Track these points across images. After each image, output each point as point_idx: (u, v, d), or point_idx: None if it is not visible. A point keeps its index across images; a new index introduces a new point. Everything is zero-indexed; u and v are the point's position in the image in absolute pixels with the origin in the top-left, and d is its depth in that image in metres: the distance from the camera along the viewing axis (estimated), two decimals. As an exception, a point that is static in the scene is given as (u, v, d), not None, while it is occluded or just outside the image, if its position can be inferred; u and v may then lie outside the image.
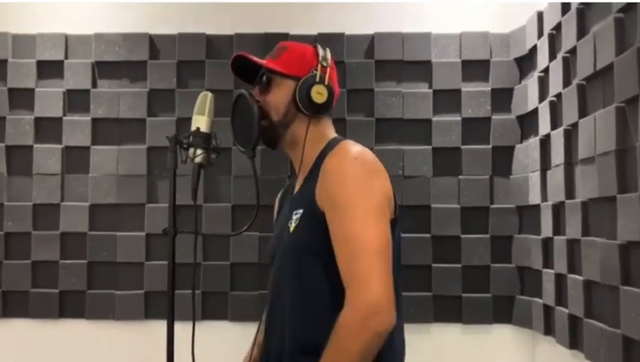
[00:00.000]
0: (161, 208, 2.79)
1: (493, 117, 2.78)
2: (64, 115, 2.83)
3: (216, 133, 1.52)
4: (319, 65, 1.49)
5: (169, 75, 2.84)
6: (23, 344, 2.79)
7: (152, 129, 2.82)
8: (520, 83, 2.78)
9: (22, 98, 2.85)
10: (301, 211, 1.39)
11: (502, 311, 2.73)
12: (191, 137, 1.47)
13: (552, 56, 2.41)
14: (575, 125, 2.16)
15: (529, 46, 2.66)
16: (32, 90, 2.84)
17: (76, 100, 2.85)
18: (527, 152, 2.68)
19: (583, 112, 2.11)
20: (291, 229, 1.40)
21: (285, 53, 1.52)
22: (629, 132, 1.78)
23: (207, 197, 2.80)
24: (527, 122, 2.72)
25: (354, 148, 1.39)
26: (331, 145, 1.47)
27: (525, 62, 2.75)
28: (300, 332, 1.38)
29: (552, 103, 2.39)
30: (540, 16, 2.55)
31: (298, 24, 2.85)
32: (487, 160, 2.76)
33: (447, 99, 2.80)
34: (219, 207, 2.79)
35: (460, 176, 2.76)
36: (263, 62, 1.51)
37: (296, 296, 1.40)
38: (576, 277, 2.12)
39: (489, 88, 2.79)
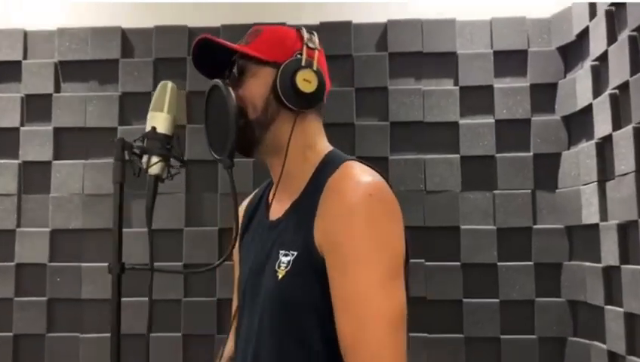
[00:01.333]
0: (136, 234, 2.29)
1: (534, 118, 2.28)
2: (22, 124, 2.36)
3: (179, 136, 1.11)
4: (304, 48, 1.15)
5: (145, 76, 2.37)
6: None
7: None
8: (565, 77, 2.28)
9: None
10: (295, 254, 1.05)
11: (550, 357, 2.19)
12: (145, 140, 1.09)
13: (612, 38, 1.92)
14: (652, 122, 1.68)
15: (577, 31, 2.17)
16: (-17, 96, 2.44)
17: (36, 107, 2.38)
18: (577, 160, 2.16)
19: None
20: (280, 275, 1.06)
21: (261, 36, 1.17)
22: None
23: (190, 219, 2.30)
24: (577, 123, 2.22)
25: (365, 176, 1.04)
26: (331, 162, 1.13)
27: (572, 52, 2.25)
28: None
29: (613, 97, 1.89)
30: (591, -7, 2.09)
31: (296, 13, 2.38)
32: (528, 170, 2.25)
33: (477, 98, 2.30)
34: (203, 231, 2.29)
35: (495, 191, 2.25)
36: (234, 46, 1.14)
37: (290, 357, 1.05)
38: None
39: (527, 84, 2.29)
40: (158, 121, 1.10)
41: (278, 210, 1.16)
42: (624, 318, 1.81)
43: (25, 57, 2.40)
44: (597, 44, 2.02)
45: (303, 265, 1.03)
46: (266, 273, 1.09)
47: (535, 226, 2.24)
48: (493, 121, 2.30)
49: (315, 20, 2.36)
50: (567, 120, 2.27)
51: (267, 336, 1.08)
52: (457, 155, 2.28)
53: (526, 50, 2.32)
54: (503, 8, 2.35)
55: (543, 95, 2.31)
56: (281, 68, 1.10)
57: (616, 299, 1.92)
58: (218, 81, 1.11)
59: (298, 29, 1.17)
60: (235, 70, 1.15)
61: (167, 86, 1.12)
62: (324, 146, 1.15)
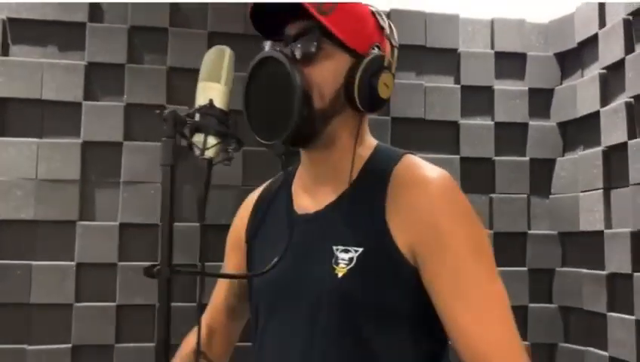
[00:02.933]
0: (99, 227, 1.96)
1: (531, 123, 2.25)
2: (-46, 90, 1.98)
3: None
4: (388, 43, 1.00)
5: (117, 45, 2.02)
6: None
7: (91, 117, 1.99)
8: (562, 83, 2.27)
9: None
10: (360, 250, 0.92)
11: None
12: (198, 116, 0.88)
13: (629, 47, 1.91)
14: (681, 132, 1.68)
15: (580, 38, 2.16)
16: None
17: (-24, 71, 2.02)
18: (574, 167, 2.16)
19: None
20: (339, 273, 0.92)
21: (339, 10, 0.96)
22: None
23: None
24: (574, 130, 2.22)
25: (440, 169, 0.97)
26: (386, 154, 1.03)
27: (570, 59, 2.25)
28: None
29: (629, 105, 1.88)
30: (601, 2, 2.07)
31: (295, -9, 2.18)
32: (525, 175, 2.22)
33: (478, 99, 2.24)
34: (183, 228, 1.98)
35: (492, 195, 2.19)
36: (321, 17, 0.93)
37: None
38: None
39: (526, 88, 2.26)
40: (214, 92, 0.89)
41: (311, 204, 1.02)
42: (635, 326, 1.81)
43: (-38, 9, 2.00)
44: (608, 53, 2.01)
45: (371, 260, 0.91)
46: (312, 272, 0.95)
47: (530, 232, 2.21)
48: (492, 123, 2.24)
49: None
50: (563, 126, 2.27)
51: (323, 340, 0.93)
52: (457, 156, 2.20)
53: (525, 53, 2.29)
54: (504, 8, 2.29)
55: (540, 100, 2.29)
56: (364, 64, 0.94)
57: (619, 307, 1.93)
58: (280, 55, 0.92)
59: (373, 11, 1.01)
60: (304, 41, 0.94)
61: (226, 52, 0.93)
62: (372, 138, 1.05)
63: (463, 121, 2.22)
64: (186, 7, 2.11)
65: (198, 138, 0.87)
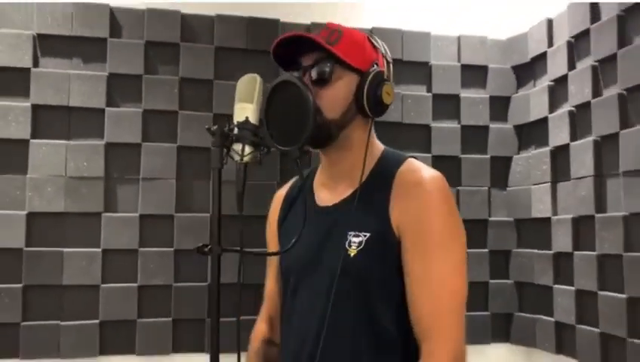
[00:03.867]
0: (121, 219, 2.22)
1: (491, 125, 2.59)
2: (-7, 98, 2.21)
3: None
4: (384, 60, 1.25)
5: (134, 58, 2.27)
6: None
7: (113, 121, 2.24)
8: (517, 92, 2.62)
9: None
10: (367, 235, 1.16)
11: (499, 330, 2.53)
12: (237, 129, 1.11)
13: (572, 65, 2.27)
14: (611, 136, 2.03)
15: (533, 54, 2.52)
16: (-54, 65, 2.16)
17: (11, 81, 2.17)
18: (527, 163, 2.52)
19: (625, 123, 1.97)
20: (351, 253, 1.16)
21: (344, 39, 1.21)
22: None
23: (180, 205, 2.26)
24: (527, 132, 2.58)
25: (434, 172, 1.18)
26: (392, 158, 1.26)
27: (524, 71, 2.60)
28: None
29: (571, 113, 2.25)
30: (550, 23, 2.42)
31: (289, 11, 2.43)
32: (486, 170, 2.56)
33: (446, 105, 2.56)
34: (195, 218, 2.27)
35: (459, 188, 2.53)
36: (331, 47, 1.18)
37: (362, 332, 1.15)
38: (614, 294, 1.97)
39: (487, 95, 2.60)
40: (249, 111, 1.13)
41: (330, 197, 1.25)
42: (575, 294, 2.18)
43: (-4, 26, 2.24)
44: (555, 68, 2.37)
45: (376, 244, 1.14)
46: (331, 252, 1.17)
47: (490, 219, 2.56)
48: (458, 125, 2.57)
49: (306, 20, 2.44)
50: (519, 129, 2.61)
51: (336, 312, 1.15)
52: (430, 155, 2.52)
53: (486, 66, 2.62)
54: (469, 26, 2.62)
55: (499, 106, 2.62)
56: (369, 78, 1.16)
57: (562, 280, 2.29)
58: (294, 78, 1.15)
59: (368, 36, 1.26)
60: (317, 68, 1.18)
61: (257, 79, 1.16)
62: (379, 144, 1.27)
63: (433, 124, 2.54)
64: (195, 24, 2.35)
65: (237, 147, 1.10)
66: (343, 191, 1.23)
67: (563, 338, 2.28)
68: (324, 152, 1.27)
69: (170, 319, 2.24)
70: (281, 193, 1.42)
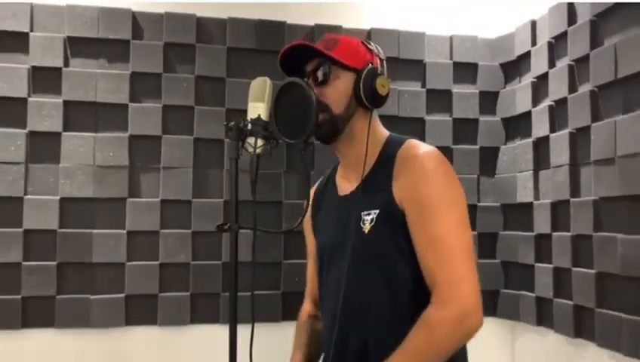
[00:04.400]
0: (144, 203, 2.45)
1: (481, 118, 2.82)
2: (29, 95, 2.38)
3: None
4: (377, 58, 1.44)
5: (154, 58, 2.49)
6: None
7: (135, 116, 2.46)
8: (505, 87, 2.84)
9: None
10: (377, 211, 1.34)
11: (487, 305, 2.74)
12: (250, 125, 1.29)
13: (552, 63, 2.49)
14: (584, 129, 2.24)
15: (518, 53, 2.74)
16: (-14, 64, 2.40)
17: (45, 79, 2.40)
18: (513, 153, 2.75)
19: (596, 117, 2.19)
20: (365, 230, 1.35)
21: (340, 44, 1.41)
22: None
23: (196, 192, 2.48)
24: (513, 124, 2.79)
25: (431, 148, 1.36)
26: (394, 141, 1.43)
27: (511, 68, 2.81)
28: (389, 327, 1.33)
29: (551, 108, 2.47)
30: (533, 24, 2.62)
31: (295, 14, 2.66)
32: (475, 160, 2.79)
33: (439, 99, 2.78)
34: (209, 203, 2.50)
35: (450, 175, 2.76)
36: (327, 52, 1.38)
37: (384, 292, 1.34)
38: (586, 270, 2.20)
39: (477, 91, 2.82)
40: (260, 110, 1.31)
41: (348, 186, 1.45)
42: (552, 272, 2.42)
43: (32, 30, 2.39)
44: (537, 66, 2.59)
45: (384, 218, 1.32)
46: (352, 232, 1.37)
47: (479, 204, 2.79)
48: (451, 118, 2.79)
49: (310, 22, 2.65)
50: (506, 121, 2.83)
51: (357, 278, 1.35)
52: (423, 145, 2.75)
53: (476, 63, 2.84)
54: (461, 26, 2.83)
55: (488, 101, 2.84)
56: (364, 74, 1.35)
57: (543, 259, 2.52)
58: (299, 80, 1.35)
59: (362, 41, 1.47)
60: (320, 71, 1.38)
61: (267, 82, 1.33)
62: (384, 131, 1.46)
63: (427, 118, 2.75)
64: (209, 26, 2.56)
65: (251, 140, 1.29)
66: (356, 179, 1.43)
67: (542, 312, 2.51)
68: (335, 147, 1.46)
69: (188, 293, 2.47)
70: (313, 189, 1.62)
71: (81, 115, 2.44)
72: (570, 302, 2.28)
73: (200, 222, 2.50)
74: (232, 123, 1.30)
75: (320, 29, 2.64)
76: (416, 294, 1.30)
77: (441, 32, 2.81)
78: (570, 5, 2.38)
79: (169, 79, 2.51)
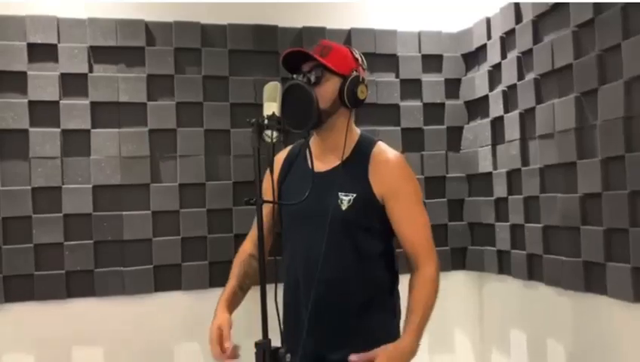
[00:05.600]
0: (165, 187, 2.86)
1: (447, 102, 3.27)
2: (60, 98, 2.74)
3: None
4: (360, 68, 1.86)
5: (167, 62, 2.88)
6: (29, 327, 2.68)
7: (153, 112, 2.85)
8: (466, 75, 3.30)
9: (12, 82, 2.66)
10: (354, 195, 1.79)
11: (457, 260, 3.27)
12: (267, 121, 1.64)
13: (504, 55, 2.95)
14: (530, 110, 2.71)
15: (476, 45, 3.19)
16: (24, 74, 2.67)
17: (72, 84, 2.77)
18: (475, 131, 3.22)
19: (539, 100, 2.66)
20: (343, 207, 1.78)
21: (332, 52, 1.82)
22: (585, 115, 2.35)
23: (209, 176, 2.90)
24: (474, 107, 3.25)
25: (396, 152, 1.88)
26: (366, 141, 1.90)
27: (471, 58, 3.27)
28: (354, 285, 1.81)
29: (504, 92, 2.93)
30: (488, 21, 3.07)
31: (285, 18, 3.05)
32: (443, 138, 3.25)
33: (411, 87, 3.21)
34: (220, 185, 2.92)
35: (423, 152, 3.21)
36: (322, 59, 1.80)
37: (352, 256, 1.82)
38: (535, 225, 2.69)
39: (442, 79, 3.26)
40: (275, 108, 1.66)
41: (323, 165, 1.84)
42: (509, 228, 2.92)
43: (59, 41, 2.74)
44: (492, 56, 3.05)
45: (360, 202, 1.78)
46: (329, 205, 1.77)
47: (447, 175, 3.27)
48: (421, 104, 3.23)
49: (299, 24, 3.05)
50: (468, 104, 3.29)
51: (331, 245, 1.76)
52: (399, 128, 3.19)
53: (442, 54, 3.28)
54: (427, 23, 3.25)
55: (452, 86, 3.29)
56: (348, 81, 1.78)
57: (501, 218, 3.02)
58: (301, 82, 1.79)
59: (351, 50, 1.90)
60: (313, 73, 1.81)
61: (278, 85, 1.70)
62: (357, 129, 1.92)
63: (401, 104, 3.20)
64: (212, 32, 2.92)
65: (268, 132, 1.62)
66: (332, 162, 1.87)
67: (503, 262, 3.01)
68: (317, 132, 1.90)
69: (206, 262, 2.89)
70: (280, 156, 2.03)
71: (107, 113, 2.81)
72: (524, 252, 2.78)
73: (213, 202, 2.90)
74: (254, 120, 1.62)
75: (307, 31, 3.05)
76: (376, 263, 1.84)
77: (411, 29, 3.23)
78: (517, 5, 2.83)
79: (180, 79, 2.88)
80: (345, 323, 1.82)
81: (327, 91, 1.79)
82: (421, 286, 1.78)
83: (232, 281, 2.00)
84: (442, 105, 3.27)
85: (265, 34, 3.02)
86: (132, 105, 2.83)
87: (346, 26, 3.15)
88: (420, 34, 3.25)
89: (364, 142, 1.87)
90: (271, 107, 1.66)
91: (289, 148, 2.09)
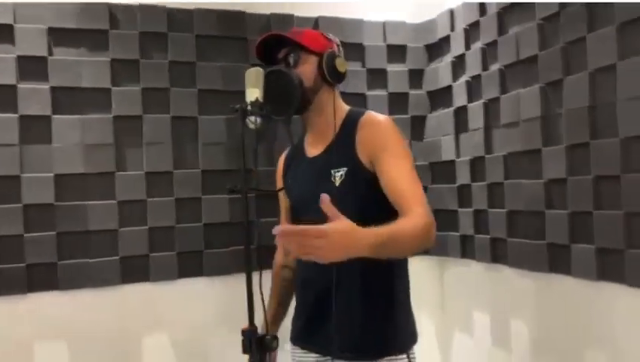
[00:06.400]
0: (130, 176, 2.76)
1: (410, 92, 3.33)
2: (18, 82, 2.57)
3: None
4: (334, 44, 1.89)
5: (132, 46, 2.78)
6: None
7: (118, 98, 2.75)
8: (429, 65, 3.37)
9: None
10: (345, 169, 1.77)
11: (421, 246, 3.36)
12: (250, 107, 1.65)
13: (467, 46, 3.04)
14: (495, 99, 2.81)
15: (440, 36, 3.25)
16: (-26, 57, 2.56)
17: (31, 68, 2.62)
18: (438, 120, 3.30)
19: (504, 90, 2.75)
20: (336, 183, 1.77)
21: (304, 34, 1.84)
22: (550, 104, 2.46)
23: (177, 163, 2.84)
24: (437, 96, 3.32)
25: (385, 116, 1.87)
26: (355, 113, 1.91)
27: (434, 49, 3.34)
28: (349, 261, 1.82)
29: (468, 83, 3.03)
30: (451, 13, 3.14)
31: (253, 4, 3.01)
32: (407, 127, 3.32)
33: (377, 77, 3.26)
34: (189, 173, 2.86)
35: (388, 140, 3.28)
36: (296, 39, 1.79)
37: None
38: (499, 210, 2.80)
39: (407, 69, 3.32)
40: (258, 94, 1.66)
41: (315, 150, 1.87)
42: (473, 214, 3.02)
43: (15, 21, 2.58)
44: (456, 48, 3.13)
45: (351, 176, 1.75)
46: (324, 185, 1.74)
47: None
48: (386, 93, 3.28)
49: (267, 11, 3.01)
50: (431, 94, 3.37)
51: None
52: (366, 116, 3.26)
53: (406, 45, 3.33)
54: (392, 13, 3.31)
55: (416, 77, 3.36)
56: (325, 56, 1.78)
57: (464, 204, 3.12)
58: (282, 67, 1.81)
59: (321, 33, 1.91)
60: (291, 57, 1.83)
61: (260, 70, 1.70)
62: (345, 105, 1.92)
63: (368, 93, 3.24)
64: (178, 16, 2.84)
65: (252, 119, 1.65)
66: (322, 145, 1.88)
67: (466, 246, 3.12)
68: (306, 117, 1.89)
69: (174, 253, 2.82)
70: (285, 154, 2.11)
71: (68, 99, 2.67)
72: (488, 236, 2.90)
73: (180, 191, 2.84)
74: (238, 106, 1.64)
75: (275, 18, 3.02)
76: (385, 219, 1.77)
77: (377, 19, 3.27)
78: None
79: (145, 65, 2.78)
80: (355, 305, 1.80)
81: (307, 70, 1.80)
82: (407, 217, 1.60)
83: (271, 301, 2.07)
84: (406, 95, 3.32)
85: (232, 20, 2.97)
86: (95, 90, 2.72)
87: (314, 14, 3.15)
88: (384, 24, 3.29)
89: (352, 115, 1.87)
90: (254, 93, 1.66)
91: (289, 148, 2.12)
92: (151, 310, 2.80)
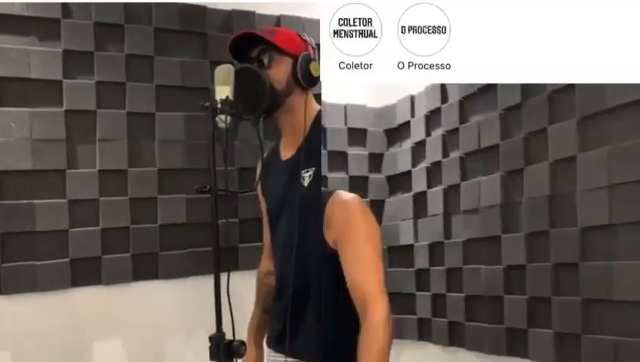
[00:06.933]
0: (82, 174, 3.64)
1: (370, 176, 4.46)
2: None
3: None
4: (309, 47, 2.58)
5: (85, 37, 3.69)
6: None
7: (70, 91, 3.67)
8: (388, 150, 4.41)
9: None
10: (313, 169, 2.55)
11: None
12: (220, 105, 2.27)
13: (428, 133, 4.24)
14: (455, 186, 4.11)
15: (399, 122, 4.38)
16: None
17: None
18: (396, 205, 4.34)
19: (464, 177, 4.09)
20: (305, 183, 2.63)
21: (278, 34, 2.51)
22: (510, 192, 3.87)
23: (132, 161, 3.81)
24: (396, 181, 4.44)
25: (353, 194, 2.89)
26: (323, 191, 2.67)
27: (393, 134, 4.43)
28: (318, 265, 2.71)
29: (428, 169, 4.23)
30: (412, 99, 4.42)
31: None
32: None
33: (337, 160, 5.04)
34: (145, 171, 3.86)
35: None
36: (271, 38, 2.43)
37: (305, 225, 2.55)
38: (457, 294, 3.99)
39: (367, 153, 4.37)
40: (227, 92, 2.31)
41: (288, 153, 2.72)
42: (431, 298, 4.65)
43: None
44: (416, 134, 4.43)
45: (317, 175, 2.61)
46: (296, 186, 2.62)
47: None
48: (347, 176, 5.06)
49: (228, 7, 4.25)
50: (390, 178, 4.69)
51: (299, 224, 2.65)
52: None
53: (366, 129, 4.96)
54: (353, 97, 5.01)
55: (375, 161, 4.94)
56: (300, 59, 2.56)
57: (423, 288, 4.69)
58: (251, 66, 2.64)
59: (297, 33, 2.76)
60: (265, 56, 2.65)
61: (230, 68, 2.23)
62: (317, 105, 2.66)
63: (330, 175, 4.72)
64: (136, 8, 3.88)
65: (222, 117, 2.32)
66: (294, 147, 2.66)
67: (423, 329, 4.08)
68: (277, 118, 2.61)
69: (129, 254, 3.59)
70: (263, 159, 2.83)
71: (15, 90, 3.45)
72: (445, 320, 3.82)
73: (135, 190, 3.62)
74: (208, 103, 2.18)
75: (237, 14, 4.11)
76: None
77: (338, 101, 4.73)
78: (443, 86, 4.01)
79: (100, 57, 3.63)
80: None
81: (279, 72, 2.57)
82: (367, 336, 2.66)
83: (256, 309, 2.89)
84: (366, 178, 4.46)
85: (193, 14, 3.88)
86: (45, 82, 3.47)
87: (277, 12, 4.05)
88: (346, 107, 4.56)
89: (319, 118, 2.58)
90: (224, 91, 2.26)
91: (266, 153, 2.84)
92: (104, 315, 3.30)
